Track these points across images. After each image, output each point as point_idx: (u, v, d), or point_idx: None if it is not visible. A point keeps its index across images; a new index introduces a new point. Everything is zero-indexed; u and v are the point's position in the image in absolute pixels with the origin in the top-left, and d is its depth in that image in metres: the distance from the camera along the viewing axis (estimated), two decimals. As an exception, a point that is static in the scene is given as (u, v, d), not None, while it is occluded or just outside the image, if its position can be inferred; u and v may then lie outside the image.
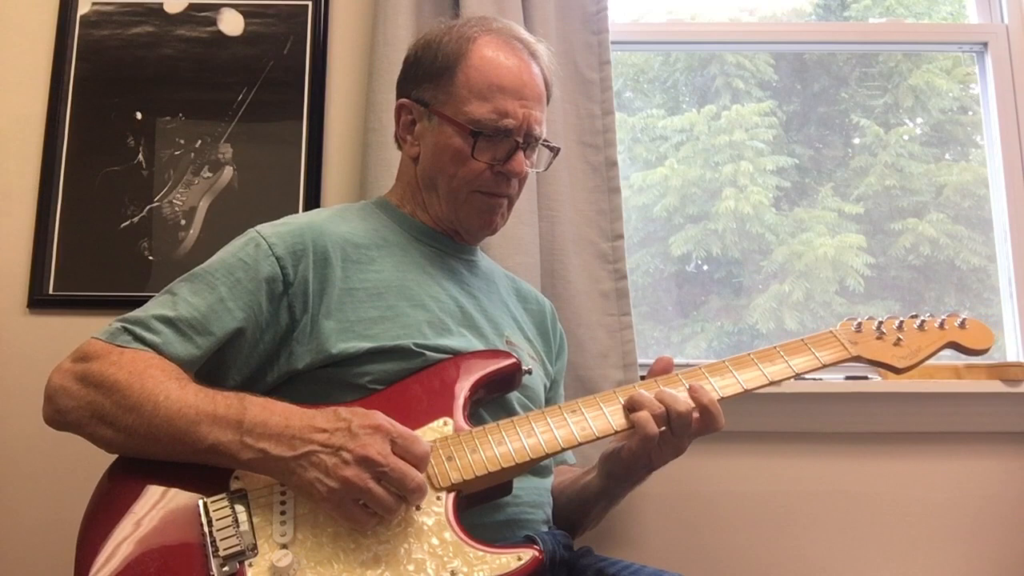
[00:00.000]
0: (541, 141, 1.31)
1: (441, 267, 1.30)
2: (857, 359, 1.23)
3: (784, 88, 2.22)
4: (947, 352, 1.27)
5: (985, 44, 2.05)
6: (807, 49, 2.20)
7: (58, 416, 1.09)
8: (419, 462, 1.00)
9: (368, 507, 0.98)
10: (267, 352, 1.17)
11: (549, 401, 1.38)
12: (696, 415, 1.12)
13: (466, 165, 1.25)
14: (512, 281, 1.47)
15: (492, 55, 1.27)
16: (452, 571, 0.98)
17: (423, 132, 1.30)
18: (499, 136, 1.24)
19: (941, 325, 1.26)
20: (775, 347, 1.21)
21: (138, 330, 1.11)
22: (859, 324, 1.25)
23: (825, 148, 2.22)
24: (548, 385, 1.39)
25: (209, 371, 1.15)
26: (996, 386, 1.76)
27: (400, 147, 1.36)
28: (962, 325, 1.26)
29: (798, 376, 1.20)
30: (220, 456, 1.02)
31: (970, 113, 2.18)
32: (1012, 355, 1.93)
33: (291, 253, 1.18)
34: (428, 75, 1.30)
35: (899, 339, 1.24)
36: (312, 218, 1.27)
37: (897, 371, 1.23)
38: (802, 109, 2.24)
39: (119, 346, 1.09)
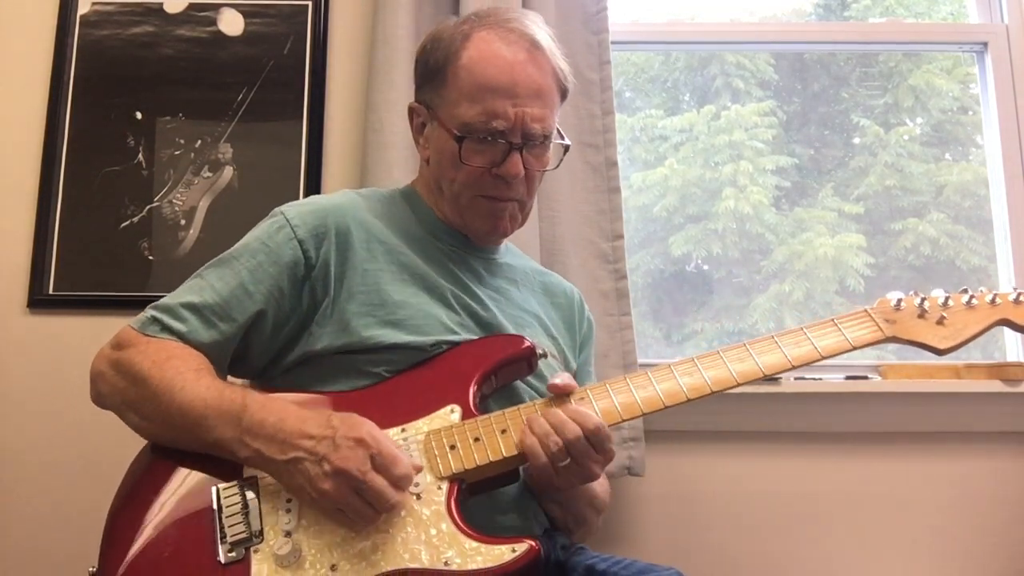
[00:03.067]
0: (547, 139, 1.23)
1: (462, 266, 1.28)
2: (893, 339, 1.15)
3: (784, 88, 2.22)
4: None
5: (985, 44, 2.05)
6: (807, 49, 2.20)
7: (99, 399, 1.16)
8: (397, 482, 1.01)
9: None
10: (291, 335, 1.19)
11: None
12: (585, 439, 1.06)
13: (462, 169, 1.22)
14: (540, 275, 1.43)
15: (483, 53, 1.21)
16: (446, 561, 1.00)
17: (429, 135, 1.28)
18: (491, 139, 1.19)
19: (993, 301, 1.17)
20: (801, 327, 1.16)
21: (166, 319, 1.15)
22: (899, 300, 1.17)
23: (825, 148, 2.22)
24: None
25: (237, 353, 1.18)
26: (996, 386, 1.76)
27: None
28: (1017, 300, 1.16)
29: (824, 358, 1.14)
30: (223, 451, 1.06)
31: (970, 113, 2.18)
32: (1012, 355, 1.93)
33: (313, 236, 1.19)
34: (428, 77, 1.27)
35: (943, 317, 1.15)
36: (337, 200, 1.28)
37: (939, 352, 1.15)
38: (802, 109, 2.24)
39: (147, 335, 1.14)
